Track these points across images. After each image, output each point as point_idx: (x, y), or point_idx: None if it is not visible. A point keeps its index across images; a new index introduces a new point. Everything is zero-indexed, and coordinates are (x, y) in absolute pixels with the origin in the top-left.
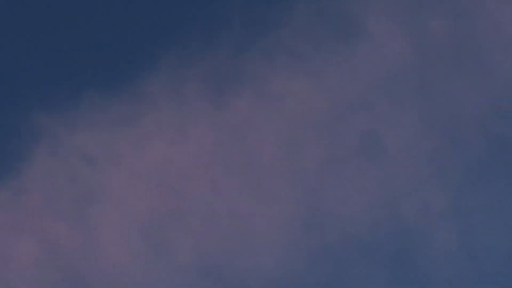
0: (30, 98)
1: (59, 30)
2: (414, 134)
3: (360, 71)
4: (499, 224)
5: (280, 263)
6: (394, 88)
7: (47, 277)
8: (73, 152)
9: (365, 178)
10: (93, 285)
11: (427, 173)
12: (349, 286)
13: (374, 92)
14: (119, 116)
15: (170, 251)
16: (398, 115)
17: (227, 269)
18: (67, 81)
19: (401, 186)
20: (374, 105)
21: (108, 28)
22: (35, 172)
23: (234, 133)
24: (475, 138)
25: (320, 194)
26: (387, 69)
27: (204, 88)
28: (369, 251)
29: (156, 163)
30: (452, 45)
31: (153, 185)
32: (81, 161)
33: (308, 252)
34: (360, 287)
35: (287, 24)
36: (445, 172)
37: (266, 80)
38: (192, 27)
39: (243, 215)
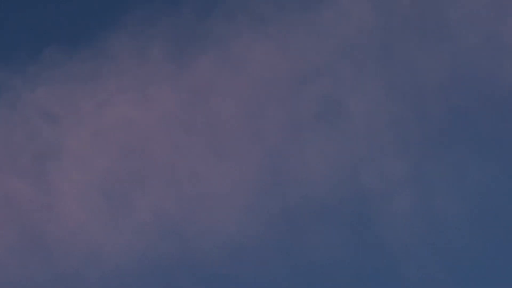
0: None
1: None
2: (376, 101)
3: (323, 36)
4: (457, 190)
5: (240, 225)
6: (357, 55)
7: (5, 234)
8: (33, 109)
9: (325, 143)
10: (52, 242)
11: (388, 139)
12: (307, 249)
13: (337, 58)
14: (80, 74)
15: (130, 210)
16: (360, 82)
17: (186, 229)
18: (27, 36)
19: (362, 151)
20: (337, 70)
21: None
22: None
23: (196, 94)
24: (436, 106)
25: (281, 157)
26: (350, 36)
27: (166, 48)
28: (328, 215)
29: (117, 122)
30: (415, 13)
31: (113, 144)
32: (41, 118)
33: (267, 215)
34: (319, 250)
35: None
36: (405, 139)
37: (229, 42)
38: None
39: (203, 177)
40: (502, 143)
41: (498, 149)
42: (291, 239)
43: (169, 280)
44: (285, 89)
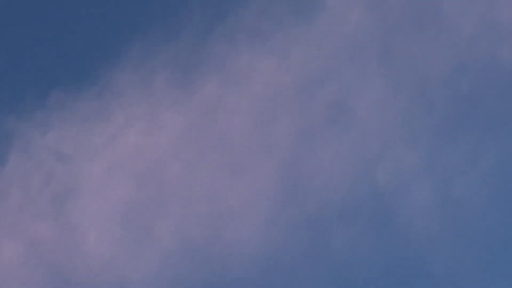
0: None
1: (21, 33)
2: (382, 99)
3: (323, 43)
4: (473, 175)
5: (262, 238)
6: (357, 56)
7: (32, 276)
8: (46, 152)
9: (337, 147)
10: (79, 280)
11: (398, 134)
12: (333, 252)
13: (338, 62)
14: (88, 112)
15: (152, 238)
16: (364, 82)
17: (210, 250)
18: (33, 82)
19: (374, 150)
20: (340, 75)
21: (69, 24)
22: (11, 175)
23: (204, 116)
24: (442, 97)
25: (295, 166)
26: (349, 38)
27: (170, 75)
28: (349, 216)
29: (130, 153)
30: (411, 8)
31: (129, 176)
32: (55, 159)
33: (288, 225)
34: (344, 252)
35: (246, 4)
36: (415, 132)
37: (231, 61)
38: (152, 16)
39: (222, 195)
40: (509, 123)
41: (508, 130)
42: (315, 244)
43: None
44: (291, 99)
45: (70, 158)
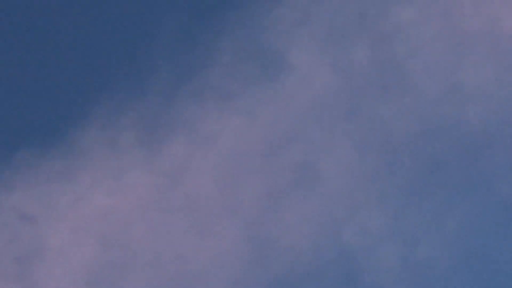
0: None
1: None
2: (349, 161)
3: (290, 104)
4: (438, 237)
5: None
6: (324, 118)
7: None
8: (11, 213)
9: (305, 208)
10: None
11: (365, 196)
12: None
13: (305, 123)
14: (54, 172)
15: None
16: (331, 144)
17: None
18: None
19: (341, 212)
20: (306, 136)
21: (35, 82)
22: None
23: (171, 177)
24: (407, 159)
25: (262, 227)
26: (315, 100)
27: (137, 135)
28: (315, 278)
29: (96, 214)
30: (375, 70)
31: (94, 237)
32: (19, 220)
33: (255, 286)
34: None
35: (213, 65)
36: (381, 194)
37: (198, 121)
38: (119, 76)
39: (188, 257)
40: (476, 186)
41: (473, 192)
42: None
43: None
44: (258, 160)
45: (35, 219)
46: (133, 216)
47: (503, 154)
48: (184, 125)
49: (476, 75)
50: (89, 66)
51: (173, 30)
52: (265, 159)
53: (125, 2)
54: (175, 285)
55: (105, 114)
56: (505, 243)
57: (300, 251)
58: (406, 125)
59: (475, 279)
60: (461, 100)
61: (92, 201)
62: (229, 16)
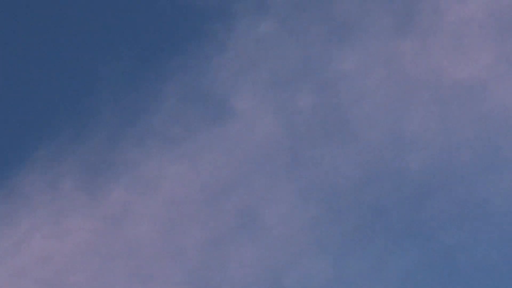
0: None
1: None
2: (291, 207)
3: (233, 150)
4: (378, 286)
5: None
6: (267, 164)
7: None
8: None
9: (246, 255)
10: None
11: (307, 242)
12: None
13: (249, 170)
14: None
15: None
16: (273, 190)
17: None
18: None
19: (282, 258)
20: (249, 182)
21: None
22: None
23: (112, 221)
24: (349, 206)
25: (204, 273)
26: (259, 146)
27: (78, 179)
28: None
29: (35, 259)
30: (319, 117)
31: (34, 282)
32: None
33: None
34: None
35: (157, 110)
36: (324, 240)
37: (141, 166)
38: (61, 119)
39: None
40: (417, 232)
41: (414, 239)
42: None
43: None
44: (200, 206)
45: None
46: (73, 261)
47: (444, 201)
48: (126, 170)
49: (418, 122)
50: (31, 108)
51: (117, 73)
52: (208, 205)
53: (68, 44)
54: None
55: (46, 157)
56: None
57: None
58: (348, 172)
59: None
60: (403, 147)
61: (32, 246)
62: (173, 61)
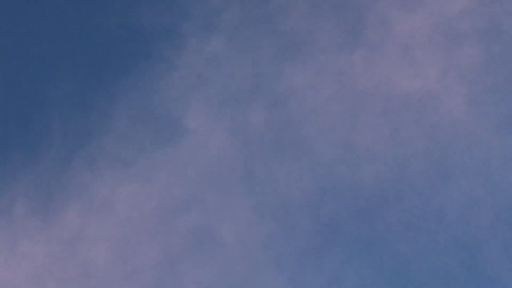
0: None
1: None
2: (247, 223)
3: (186, 168)
4: None
5: None
6: (220, 181)
7: None
8: None
9: (202, 273)
10: None
11: (263, 259)
12: None
13: (202, 187)
14: None
15: None
16: (227, 207)
17: None
18: None
19: (239, 275)
20: (203, 200)
21: None
22: None
23: (65, 245)
24: (304, 220)
25: None
26: (211, 163)
27: (30, 203)
28: None
29: None
30: (272, 133)
31: None
32: None
33: None
34: None
35: (108, 131)
36: (279, 257)
37: (93, 188)
38: (11, 141)
39: None
40: (372, 245)
41: (369, 251)
42: None
43: None
44: (154, 226)
45: None
46: (26, 286)
47: (398, 212)
48: (78, 193)
49: (370, 135)
50: None
51: (66, 94)
52: (162, 224)
53: (16, 65)
54: None
55: None
56: None
57: None
58: (302, 186)
59: None
60: (355, 160)
61: None
62: (123, 81)
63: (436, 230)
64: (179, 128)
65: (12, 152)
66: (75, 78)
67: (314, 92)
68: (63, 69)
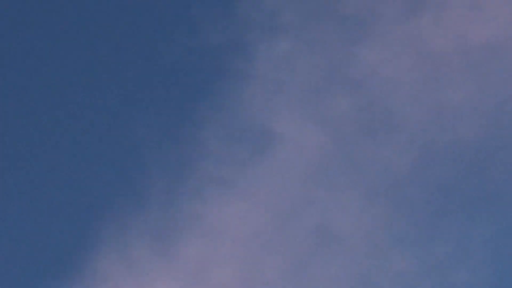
0: None
1: None
2: (361, 211)
3: (289, 173)
4: None
5: None
6: (326, 176)
7: None
8: None
9: (333, 269)
10: None
11: (383, 242)
12: None
13: (310, 187)
14: None
15: None
16: (339, 199)
17: None
18: None
19: (365, 264)
20: (315, 198)
21: None
22: None
23: (191, 276)
24: (416, 193)
25: None
26: (312, 161)
27: (147, 244)
28: None
29: None
30: (361, 116)
31: None
32: None
33: None
34: None
35: (204, 156)
36: (400, 236)
37: (203, 215)
38: (114, 189)
39: None
40: (490, 202)
41: (488, 209)
42: None
43: None
44: (274, 237)
45: None
46: None
47: (505, 164)
48: (190, 222)
49: (458, 93)
50: (91, 193)
51: (155, 129)
52: (280, 233)
53: (106, 108)
54: None
55: (114, 235)
56: None
57: None
58: (404, 160)
59: None
60: (450, 121)
61: None
62: (205, 103)
63: None
64: (271, 136)
65: (118, 199)
66: (159, 110)
67: (392, 65)
68: (146, 104)
